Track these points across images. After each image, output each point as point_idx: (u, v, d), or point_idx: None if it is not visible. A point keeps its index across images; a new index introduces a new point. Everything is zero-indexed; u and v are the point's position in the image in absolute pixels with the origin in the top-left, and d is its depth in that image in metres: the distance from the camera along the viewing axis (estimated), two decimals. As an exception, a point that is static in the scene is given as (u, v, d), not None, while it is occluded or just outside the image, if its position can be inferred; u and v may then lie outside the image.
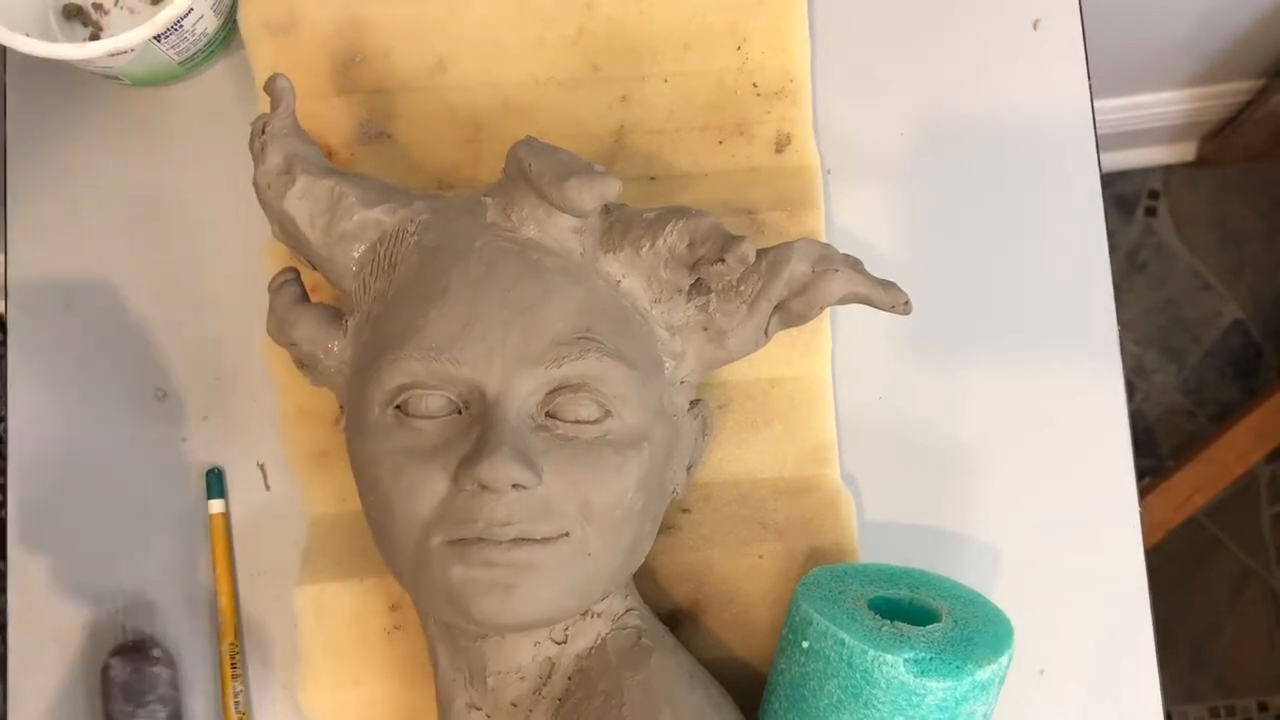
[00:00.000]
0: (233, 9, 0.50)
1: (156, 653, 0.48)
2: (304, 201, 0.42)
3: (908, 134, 0.52)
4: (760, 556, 0.49)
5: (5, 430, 0.51)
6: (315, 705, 0.48)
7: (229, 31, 0.51)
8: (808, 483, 0.49)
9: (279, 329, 0.44)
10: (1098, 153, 0.52)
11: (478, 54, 0.51)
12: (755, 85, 0.51)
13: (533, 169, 0.40)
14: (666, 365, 0.43)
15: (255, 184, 0.43)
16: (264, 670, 0.50)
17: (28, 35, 0.46)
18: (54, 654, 0.49)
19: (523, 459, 0.37)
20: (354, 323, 0.43)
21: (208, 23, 0.49)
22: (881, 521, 0.51)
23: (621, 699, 0.40)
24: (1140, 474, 0.51)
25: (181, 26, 0.47)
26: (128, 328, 0.51)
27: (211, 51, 0.51)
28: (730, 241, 0.40)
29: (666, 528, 0.48)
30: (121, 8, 0.52)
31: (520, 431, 0.38)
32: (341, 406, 0.44)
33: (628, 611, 0.43)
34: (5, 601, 0.50)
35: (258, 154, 0.43)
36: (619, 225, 0.42)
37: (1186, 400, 1.34)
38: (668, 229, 0.41)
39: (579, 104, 0.51)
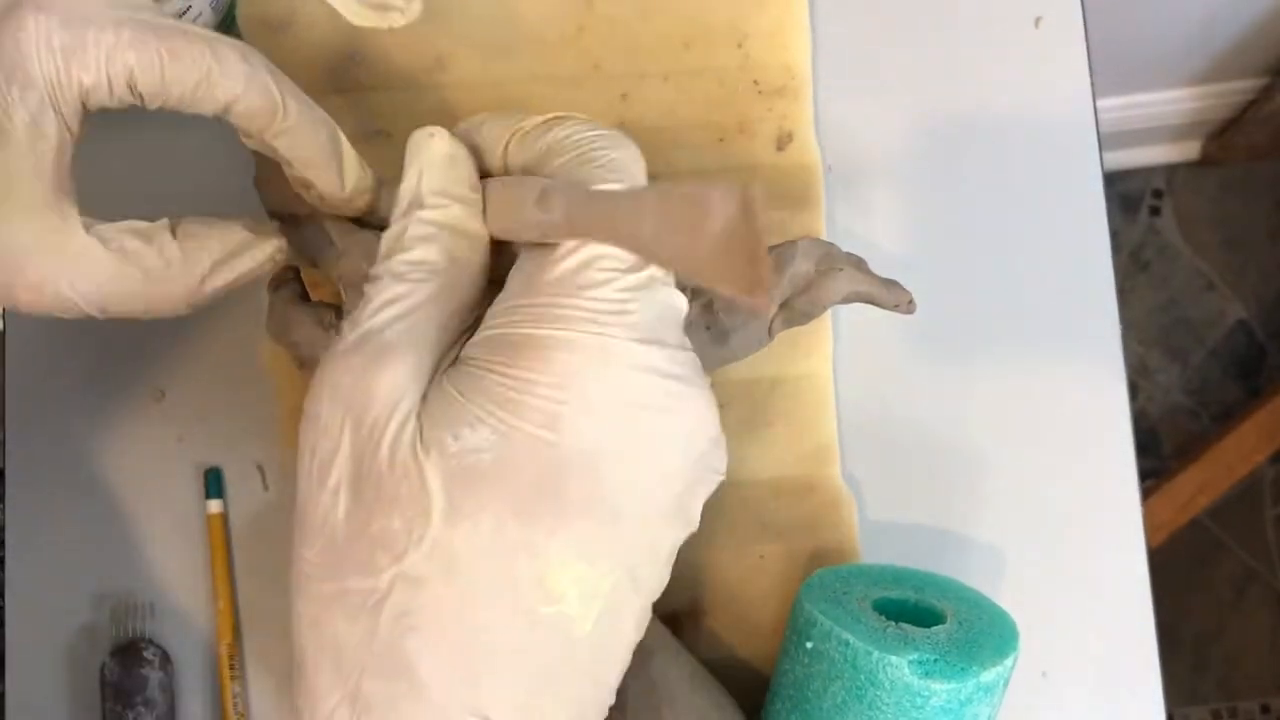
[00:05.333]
0: (231, 7, 0.50)
1: (149, 654, 0.48)
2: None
3: (909, 132, 0.52)
4: (761, 557, 0.48)
5: (3, 429, 0.51)
6: (314, 707, 0.48)
7: (227, 30, 0.51)
8: (809, 483, 0.49)
9: (279, 329, 0.44)
10: (1100, 152, 0.52)
11: (477, 52, 0.50)
12: (756, 83, 0.51)
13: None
14: None
15: None
16: (263, 671, 0.49)
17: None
18: (52, 655, 0.49)
19: None
20: None
21: (205, 20, 0.48)
22: (883, 522, 0.50)
23: (624, 700, 0.40)
24: (1143, 475, 0.51)
25: (179, 24, 0.47)
26: (126, 327, 0.51)
27: (210, 49, 0.51)
28: None
29: (667, 528, 0.48)
30: (119, 5, 0.51)
31: None
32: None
33: (629, 613, 0.43)
34: (4, 601, 0.49)
35: None
36: None
37: (1190, 401, 1.34)
38: None
39: (579, 102, 0.50)
